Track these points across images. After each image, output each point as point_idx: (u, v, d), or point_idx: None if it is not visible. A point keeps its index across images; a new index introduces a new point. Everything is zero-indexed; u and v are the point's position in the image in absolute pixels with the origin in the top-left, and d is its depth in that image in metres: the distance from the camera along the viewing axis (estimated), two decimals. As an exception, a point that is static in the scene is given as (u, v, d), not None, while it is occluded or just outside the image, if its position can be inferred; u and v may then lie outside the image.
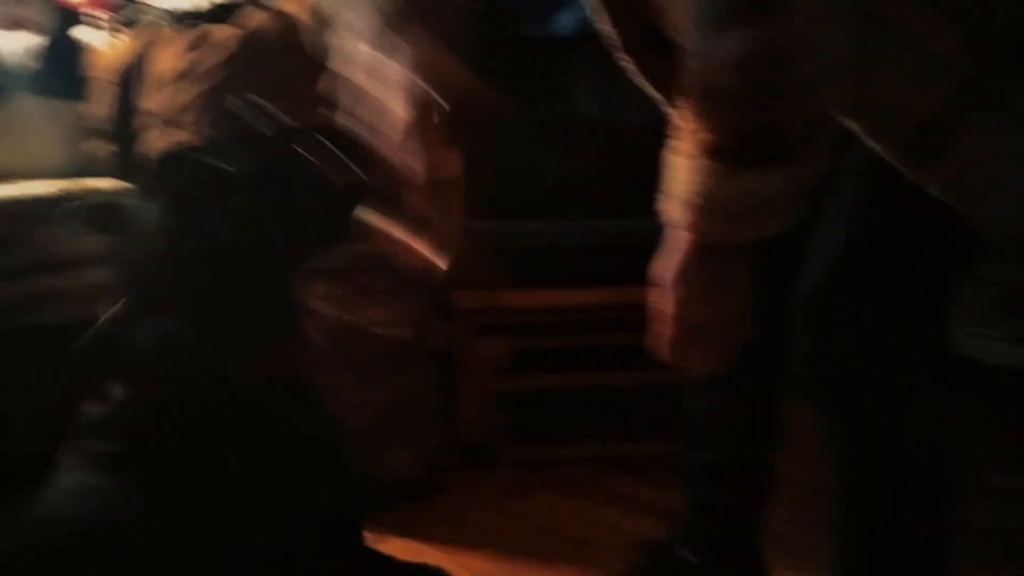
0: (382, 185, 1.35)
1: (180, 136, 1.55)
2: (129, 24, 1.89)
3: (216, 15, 1.77)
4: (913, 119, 0.71)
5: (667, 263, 0.74)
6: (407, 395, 1.59)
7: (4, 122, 1.71)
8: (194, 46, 1.64)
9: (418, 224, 1.42)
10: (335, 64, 1.69)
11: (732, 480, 1.11)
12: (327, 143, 0.92)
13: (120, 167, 1.72)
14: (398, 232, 1.40)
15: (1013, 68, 0.69)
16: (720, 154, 0.67)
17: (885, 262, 0.82)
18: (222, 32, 1.67)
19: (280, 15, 1.71)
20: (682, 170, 0.69)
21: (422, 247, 1.41)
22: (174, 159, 1.01)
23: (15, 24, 1.79)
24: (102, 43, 1.83)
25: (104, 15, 1.88)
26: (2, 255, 1.51)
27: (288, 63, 1.65)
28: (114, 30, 1.85)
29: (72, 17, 1.87)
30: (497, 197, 1.45)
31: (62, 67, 1.77)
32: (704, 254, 0.71)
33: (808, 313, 0.85)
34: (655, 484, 1.56)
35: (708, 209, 0.69)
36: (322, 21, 1.75)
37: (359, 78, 1.13)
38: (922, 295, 0.83)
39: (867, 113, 0.73)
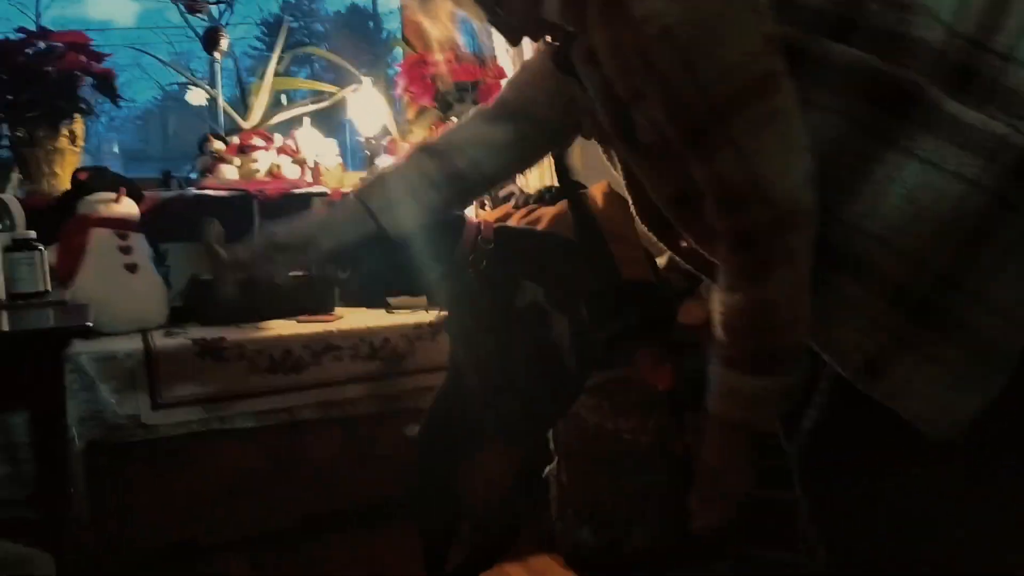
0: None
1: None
2: (496, 202, 2.68)
3: (547, 198, 2.47)
4: (862, 356, 1.01)
5: (708, 444, 1.11)
6: (647, 488, 2.06)
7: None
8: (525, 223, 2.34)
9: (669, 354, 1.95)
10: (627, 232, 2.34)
11: None
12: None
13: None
14: (655, 358, 1.93)
15: (926, 325, 0.99)
16: (738, 367, 1.05)
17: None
18: (545, 212, 2.35)
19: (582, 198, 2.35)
20: (718, 378, 1.07)
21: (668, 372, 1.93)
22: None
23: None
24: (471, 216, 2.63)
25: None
26: (398, 362, 2.33)
27: (584, 234, 2.27)
28: (480, 206, 2.66)
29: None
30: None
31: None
32: (733, 437, 1.09)
33: (802, 456, 1.17)
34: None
35: (734, 404, 1.07)
36: (616, 201, 2.38)
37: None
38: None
39: (828, 350, 1.05)
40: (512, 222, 2.39)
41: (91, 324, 1.57)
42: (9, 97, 2.32)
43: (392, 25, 6.86)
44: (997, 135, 0.97)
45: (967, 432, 1.00)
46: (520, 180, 2.82)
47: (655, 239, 1.27)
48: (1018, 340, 0.98)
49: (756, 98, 0.96)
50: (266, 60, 2.86)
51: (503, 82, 2.78)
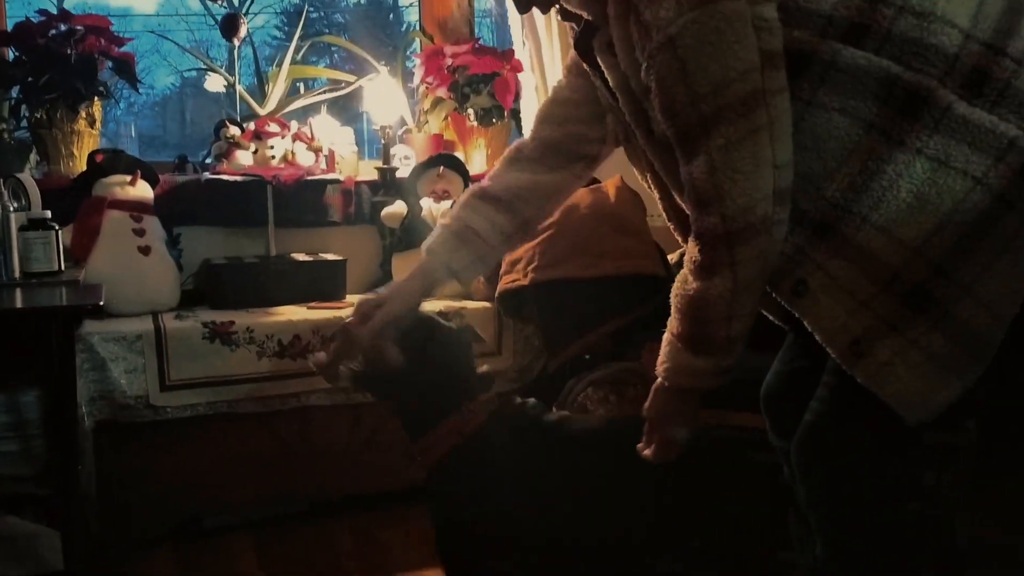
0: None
1: (515, 278, 2.25)
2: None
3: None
4: (848, 336, 1.07)
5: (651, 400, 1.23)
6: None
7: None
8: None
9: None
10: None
11: None
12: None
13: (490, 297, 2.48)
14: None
15: (915, 309, 1.03)
16: (679, 341, 1.14)
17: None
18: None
19: (595, 191, 2.35)
20: (665, 343, 1.17)
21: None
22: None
23: (443, 195, 2.67)
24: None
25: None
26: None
27: (592, 227, 2.27)
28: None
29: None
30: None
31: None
32: (669, 394, 1.20)
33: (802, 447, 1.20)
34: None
35: (671, 370, 1.17)
36: (628, 196, 2.38)
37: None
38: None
39: (818, 329, 1.09)
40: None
41: (102, 303, 1.58)
42: (29, 79, 2.34)
43: (412, 17, 6.85)
44: (1007, 136, 1.01)
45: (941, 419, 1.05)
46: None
47: (680, 238, 1.31)
48: (999, 333, 1.03)
49: (739, 115, 1.02)
50: (285, 49, 2.88)
51: (520, 76, 2.78)
